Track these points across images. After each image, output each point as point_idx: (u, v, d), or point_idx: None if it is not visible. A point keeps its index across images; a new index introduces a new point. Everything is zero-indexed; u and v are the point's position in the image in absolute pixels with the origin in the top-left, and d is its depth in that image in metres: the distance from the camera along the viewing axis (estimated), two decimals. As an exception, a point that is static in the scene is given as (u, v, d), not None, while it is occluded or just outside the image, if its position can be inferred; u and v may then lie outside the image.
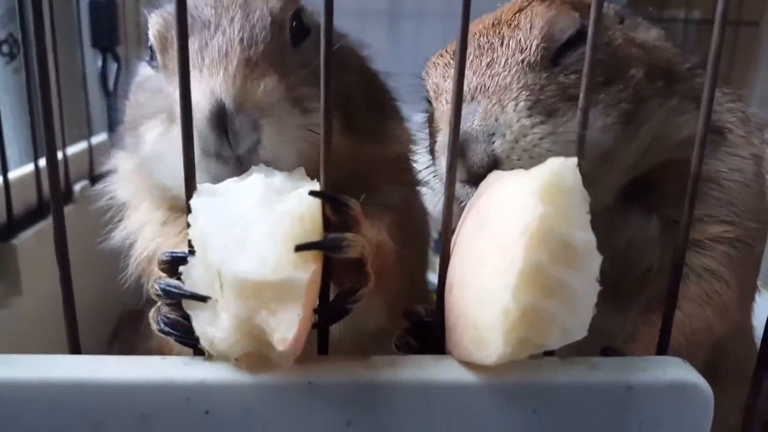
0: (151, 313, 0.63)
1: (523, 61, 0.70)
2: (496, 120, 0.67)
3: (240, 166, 0.66)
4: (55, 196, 0.57)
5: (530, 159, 0.66)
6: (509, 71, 0.69)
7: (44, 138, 0.57)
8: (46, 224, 1.14)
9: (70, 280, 0.58)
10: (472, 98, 0.68)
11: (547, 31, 0.71)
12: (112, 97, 1.50)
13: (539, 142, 0.67)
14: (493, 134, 0.66)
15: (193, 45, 0.67)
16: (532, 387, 0.56)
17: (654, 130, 0.76)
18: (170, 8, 0.75)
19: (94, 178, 1.36)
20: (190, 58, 0.65)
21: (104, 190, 0.90)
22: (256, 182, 0.58)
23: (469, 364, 0.56)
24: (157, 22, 0.74)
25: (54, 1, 1.23)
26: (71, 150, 1.36)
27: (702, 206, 0.77)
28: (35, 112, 1.20)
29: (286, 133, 0.67)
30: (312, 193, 0.56)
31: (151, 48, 0.76)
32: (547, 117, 0.67)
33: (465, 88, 0.68)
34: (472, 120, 0.67)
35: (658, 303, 0.77)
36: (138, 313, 1.20)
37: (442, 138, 0.72)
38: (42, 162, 1.18)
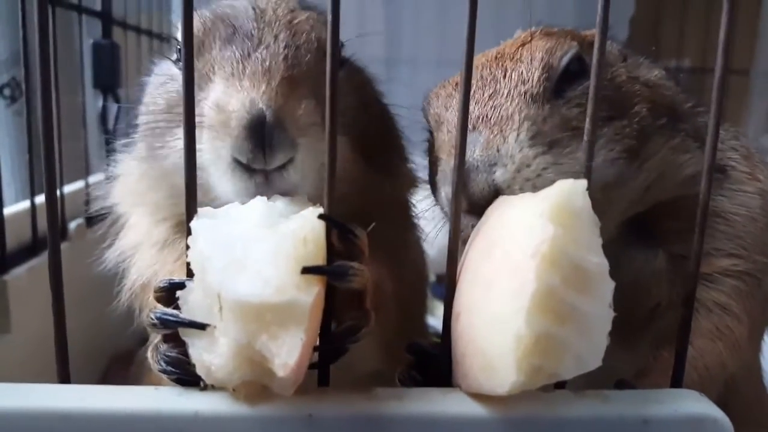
0: (149, 352, 0.60)
1: (525, 93, 0.70)
2: (498, 150, 0.66)
3: (266, 183, 0.63)
4: (52, 223, 0.56)
5: (533, 189, 0.65)
6: (511, 102, 0.69)
7: (44, 172, 0.56)
8: (39, 261, 1.12)
9: (62, 304, 0.55)
10: (474, 128, 0.68)
11: (547, 61, 0.72)
12: (112, 137, 1.50)
13: (542, 172, 0.66)
14: (495, 164, 0.66)
15: (233, 54, 0.67)
16: (545, 421, 0.53)
17: (658, 168, 0.76)
18: (207, 12, 0.73)
19: (90, 217, 1.35)
20: (230, 66, 0.66)
21: (103, 199, 0.85)
22: (258, 204, 0.57)
23: (478, 397, 0.54)
24: (195, 30, 0.72)
25: (57, 41, 1.25)
26: (68, 188, 1.35)
27: (709, 240, 0.76)
28: (33, 149, 1.19)
29: (318, 157, 0.64)
30: (321, 216, 0.55)
31: (179, 50, 0.74)
32: (549, 148, 0.67)
33: None
34: (474, 149, 0.66)
35: (668, 339, 0.76)
36: (128, 355, 1.17)
37: (443, 167, 0.72)
38: (38, 199, 1.17)
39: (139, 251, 0.81)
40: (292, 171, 0.63)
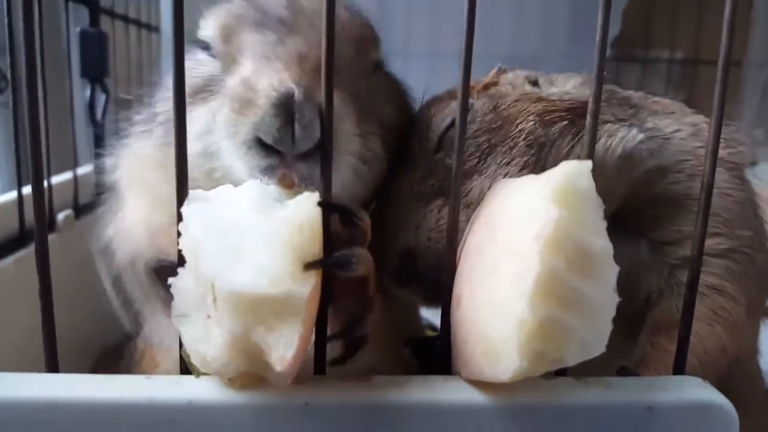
0: None
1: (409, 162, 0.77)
2: None
3: (292, 167, 0.58)
4: (38, 210, 0.54)
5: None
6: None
7: (30, 162, 0.54)
8: (27, 252, 1.10)
9: (49, 289, 0.53)
10: None
11: (427, 126, 0.77)
12: (100, 127, 1.47)
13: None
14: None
15: (266, 37, 0.64)
16: (547, 408, 0.52)
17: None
18: (232, 8, 0.71)
19: (79, 208, 1.32)
20: (262, 48, 0.64)
21: (106, 167, 0.82)
22: (251, 187, 0.55)
23: (480, 384, 0.53)
24: (224, 20, 0.69)
25: (44, 29, 1.22)
26: (56, 179, 1.33)
27: (688, 223, 0.74)
28: (20, 139, 1.17)
29: (351, 153, 0.63)
30: (321, 204, 0.52)
31: (208, 41, 0.71)
32: (438, 196, 0.73)
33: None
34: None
35: (662, 327, 0.75)
36: (117, 349, 1.15)
37: None
38: (25, 190, 1.15)
39: (133, 231, 0.78)
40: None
